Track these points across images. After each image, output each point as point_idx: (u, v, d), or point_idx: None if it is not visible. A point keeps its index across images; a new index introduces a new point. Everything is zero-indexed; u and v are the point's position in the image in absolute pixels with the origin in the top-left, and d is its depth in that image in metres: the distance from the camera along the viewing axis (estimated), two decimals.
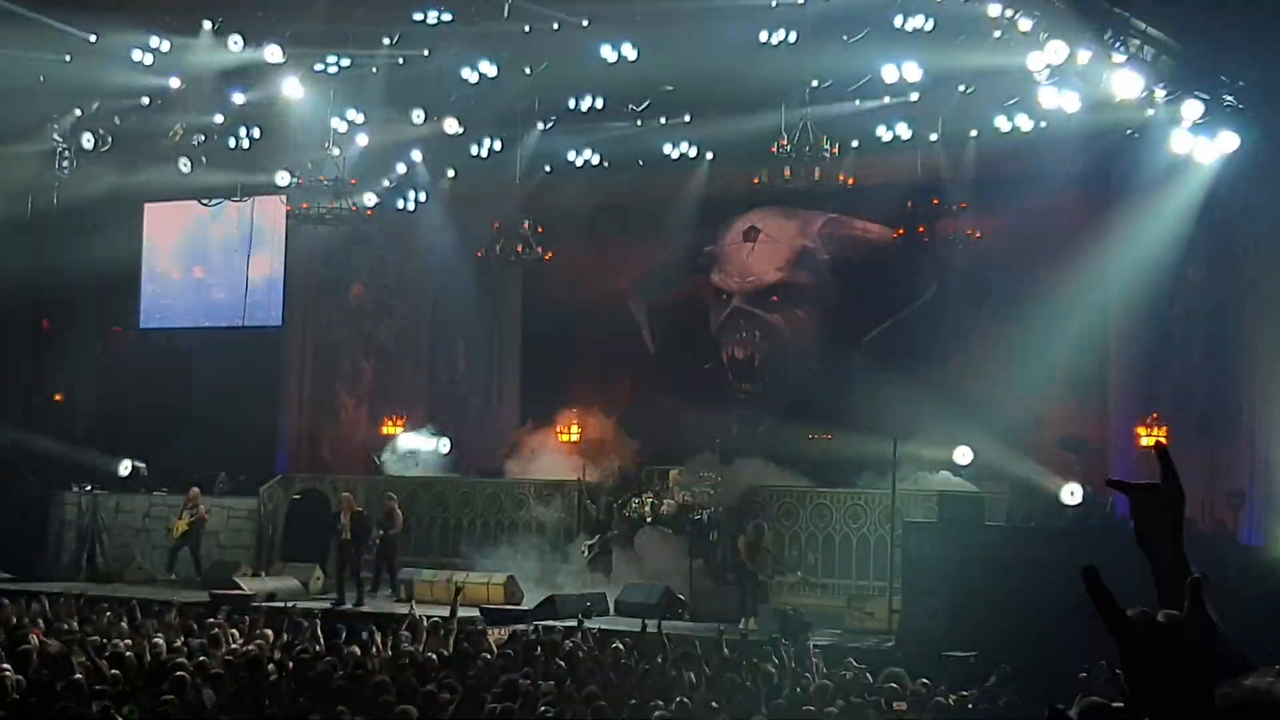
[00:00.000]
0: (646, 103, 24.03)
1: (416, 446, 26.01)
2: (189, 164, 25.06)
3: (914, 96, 22.05)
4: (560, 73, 22.70)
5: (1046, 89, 19.59)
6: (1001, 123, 22.38)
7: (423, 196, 27.27)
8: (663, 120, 24.55)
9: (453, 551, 24.20)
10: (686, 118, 24.39)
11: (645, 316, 27.14)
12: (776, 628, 16.52)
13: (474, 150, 25.28)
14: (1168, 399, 22.53)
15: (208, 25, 21.40)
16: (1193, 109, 18.46)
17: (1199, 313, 22.35)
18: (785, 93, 21.52)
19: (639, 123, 24.47)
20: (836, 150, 21.34)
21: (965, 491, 20.81)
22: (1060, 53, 18.07)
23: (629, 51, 21.16)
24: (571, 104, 24.00)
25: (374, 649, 12.56)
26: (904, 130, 23.22)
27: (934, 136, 22.98)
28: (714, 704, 9.30)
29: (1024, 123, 22.19)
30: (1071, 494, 20.18)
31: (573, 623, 15.91)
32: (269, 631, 13.80)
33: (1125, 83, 18.29)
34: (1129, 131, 21.50)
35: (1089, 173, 22.66)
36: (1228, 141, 18.83)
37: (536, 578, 21.64)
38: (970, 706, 10.30)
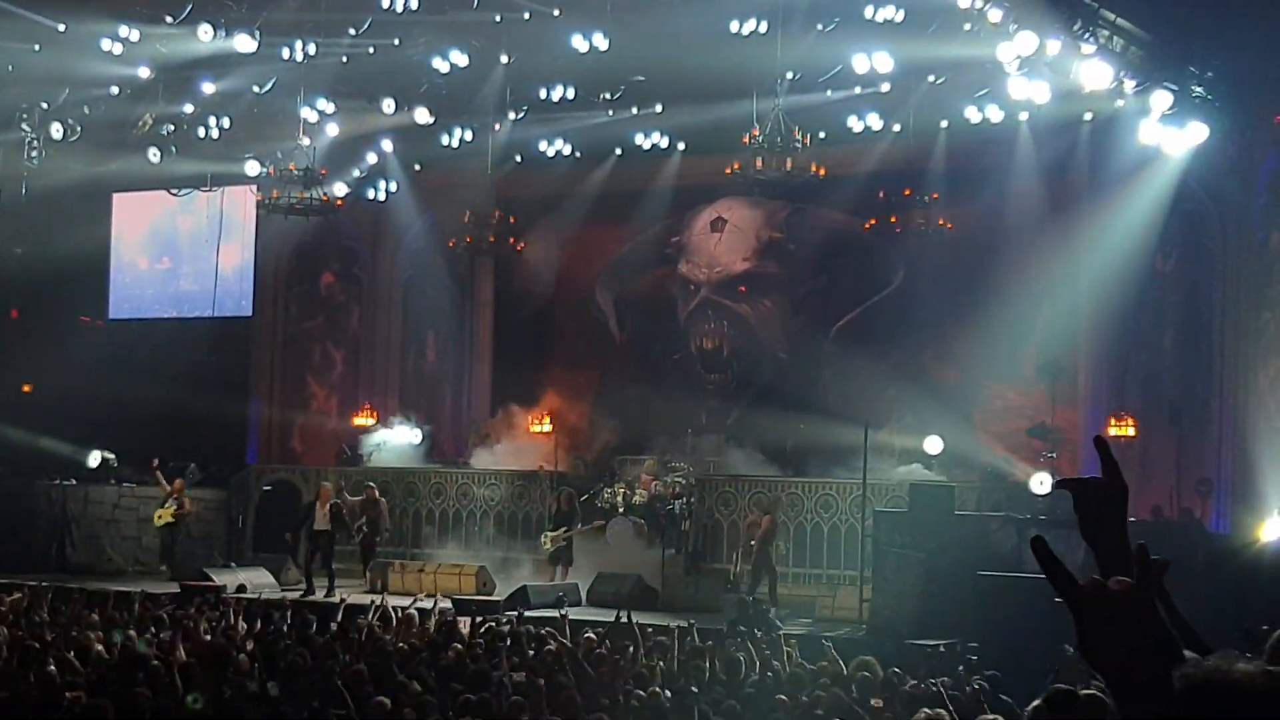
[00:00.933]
0: (618, 93, 24.00)
1: (392, 438, 25.99)
2: (158, 154, 24.94)
3: (885, 87, 22.09)
4: (531, 62, 22.67)
5: (1016, 80, 19.64)
6: (972, 113, 22.44)
7: (393, 186, 27.19)
8: (634, 110, 24.52)
9: (424, 542, 24.22)
10: (658, 108, 24.37)
11: (613, 307, 27.14)
12: (737, 616, 16.58)
13: (445, 140, 25.22)
14: (1137, 388, 22.67)
15: (171, 18, 21.29)
16: (1161, 100, 18.53)
17: (1169, 303, 22.48)
18: (757, 83, 21.53)
19: (610, 113, 24.44)
20: (808, 140, 21.35)
21: (936, 481, 20.90)
22: (1030, 43, 18.12)
23: (600, 41, 21.14)
24: (543, 94, 23.96)
25: (348, 638, 12.54)
26: (875, 121, 23.27)
27: (905, 127, 23.02)
28: (689, 691, 9.32)
29: (994, 113, 22.26)
30: (1041, 483, 20.27)
31: (545, 613, 15.93)
32: (242, 623, 13.77)
33: (1094, 73, 18.35)
34: (1091, 119, 21.63)
35: (1059, 163, 22.78)
36: (1197, 132, 18.93)
37: (508, 568, 21.64)
38: (938, 694, 10.34)
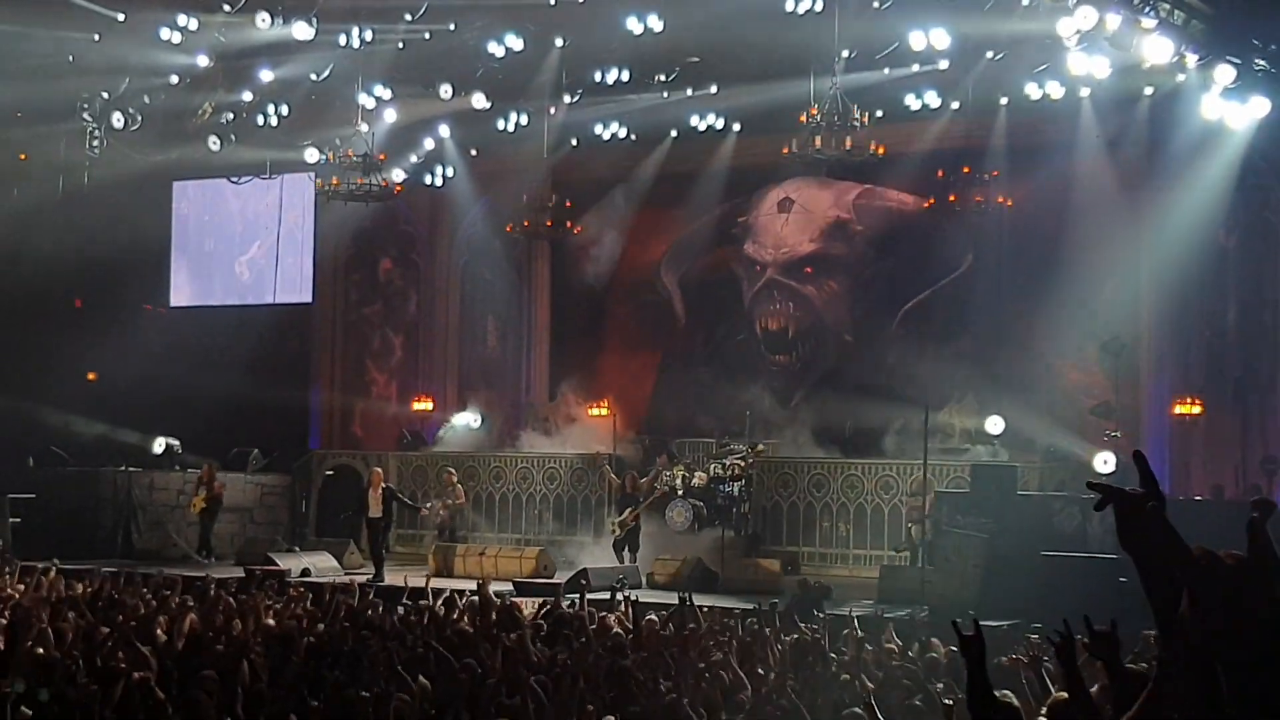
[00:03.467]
0: (673, 74, 23.94)
1: (459, 422, 26.28)
2: (218, 142, 25.12)
3: (943, 64, 21.90)
4: (586, 45, 22.64)
5: (1076, 55, 19.41)
6: (1032, 89, 22.21)
7: (450, 172, 27.24)
8: (690, 91, 24.44)
9: (485, 526, 24.33)
10: (713, 89, 24.26)
11: (678, 287, 27.08)
12: (796, 597, 16.54)
13: (501, 125, 25.25)
14: (1201, 366, 22.42)
15: (229, 6, 21.41)
16: (1224, 74, 18.25)
17: (1233, 279, 22.21)
18: (813, 61, 21.39)
19: (666, 94, 24.39)
20: (866, 119, 21.20)
21: (998, 461, 20.77)
22: (1090, 18, 17.88)
23: (655, 23, 21.08)
24: (598, 77, 23.93)
25: (409, 621, 12.61)
26: (933, 99, 23.08)
27: (963, 104, 22.80)
28: (753, 674, 9.31)
29: (1054, 89, 22.01)
30: (1105, 462, 20.10)
31: (604, 595, 15.94)
32: (310, 607, 13.86)
33: (1155, 48, 18.10)
34: (1152, 94, 21.36)
35: (1121, 139, 22.51)
36: (1259, 107, 18.65)
37: (568, 551, 21.69)
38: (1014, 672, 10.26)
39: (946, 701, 7.05)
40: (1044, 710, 5.59)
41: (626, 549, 20.99)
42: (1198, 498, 19.42)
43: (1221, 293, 22.31)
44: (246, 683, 8.85)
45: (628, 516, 21.10)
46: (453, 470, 23.22)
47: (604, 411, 25.23)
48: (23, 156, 26.18)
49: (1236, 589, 1.83)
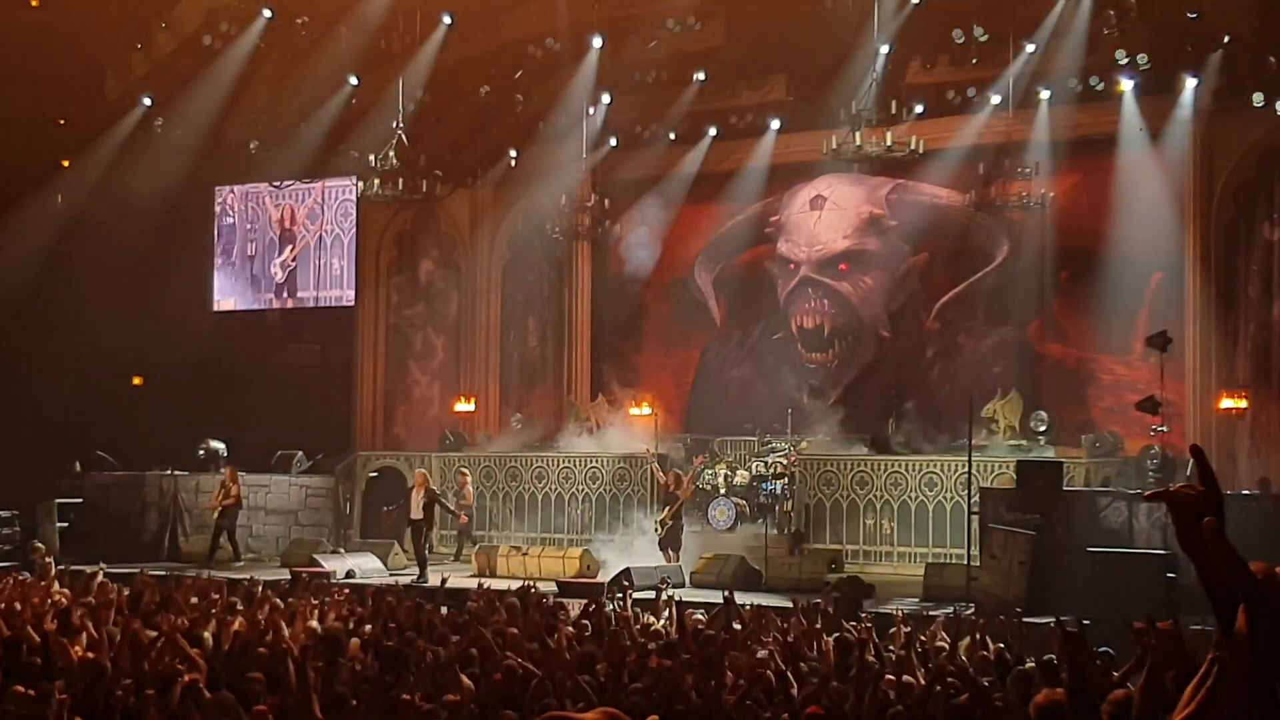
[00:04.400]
0: (711, 71, 23.94)
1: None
2: (259, 145, 25.28)
3: (980, 58, 21.84)
4: (623, 43, 22.67)
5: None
6: (1072, 82, 22.10)
7: (491, 173, 27.31)
8: (728, 89, 24.42)
9: (528, 525, 24.40)
10: (752, 85, 24.24)
11: (712, 287, 27.06)
12: (840, 594, 16.49)
13: (540, 124, 25.29)
14: (1246, 360, 22.24)
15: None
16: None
17: (1277, 271, 22.01)
18: (851, 57, 21.35)
19: (704, 91, 24.39)
20: (905, 114, 21.14)
21: (1043, 457, 20.67)
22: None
23: (692, 20, 21.09)
24: (636, 75, 23.94)
25: (456, 622, 12.63)
26: (972, 93, 22.99)
27: (1004, 98, 22.69)
28: (791, 673, 9.28)
29: (1094, 82, 21.90)
30: (1151, 457, 19.96)
31: (648, 595, 15.94)
32: (358, 609, 13.91)
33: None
34: (1196, 85, 21.22)
35: (1163, 132, 22.35)
36: None
37: (611, 551, 21.69)
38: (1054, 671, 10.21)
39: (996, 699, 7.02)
40: (1105, 707, 5.55)
41: (670, 548, 20.97)
42: (1245, 492, 19.24)
43: (1267, 286, 22.13)
44: (293, 685, 8.88)
45: (665, 515, 21.09)
46: (466, 471, 23.15)
47: (645, 410, 25.23)
48: (65, 163, 26.40)
49: None
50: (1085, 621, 14.05)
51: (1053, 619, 14.74)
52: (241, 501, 23.26)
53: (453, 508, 22.53)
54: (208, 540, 23.14)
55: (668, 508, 21.19)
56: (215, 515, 23.00)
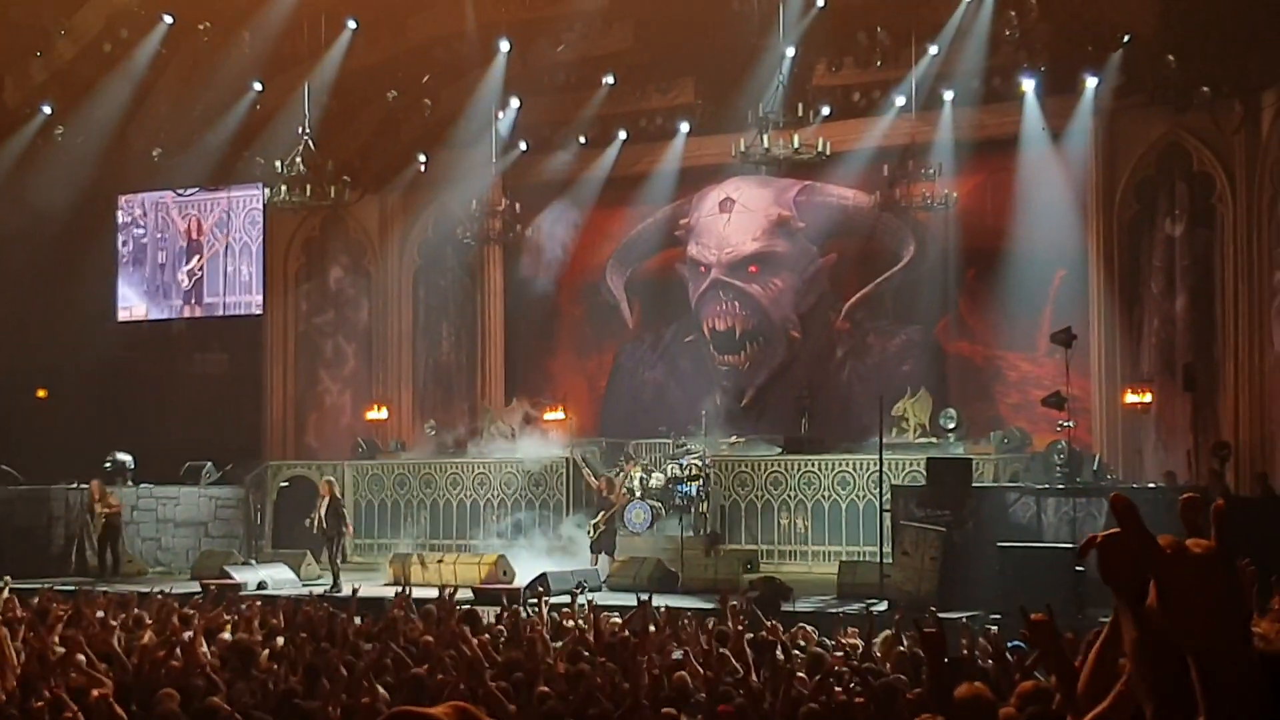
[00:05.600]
0: (619, 75, 23.97)
1: None
2: (162, 153, 24.97)
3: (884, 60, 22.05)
4: (532, 48, 22.64)
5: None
6: (975, 83, 22.38)
7: (400, 178, 27.16)
8: (637, 92, 24.47)
9: (442, 533, 24.29)
10: (661, 89, 24.31)
11: (624, 290, 27.10)
12: (758, 594, 16.55)
13: (449, 128, 25.19)
14: (1151, 355, 22.61)
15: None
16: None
17: (1180, 267, 22.41)
18: (758, 60, 21.46)
19: (613, 95, 24.43)
20: (812, 117, 21.30)
21: (953, 454, 20.89)
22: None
23: (601, 24, 21.12)
24: (544, 78, 23.91)
25: (370, 631, 12.54)
26: (877, 94, 23.20)
27: (908, 99, 22.91)
28: (708, 674, 9.30)
29: (998, 83, 22.20)
30: (1058, 452, 20.24)
31: (565, 599, 15.91)
32: (272, 620, 13.77)
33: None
34: (1096, 85, 21.55)
35: (1066, 130, 22.67)
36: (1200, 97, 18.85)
37: (527, 556, 21.63)
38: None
39: (909, 696, 7.08)
40: (1013, 699, 5.62)
41: (604, 551, 21.06)
42: (1151, 485, 19.57)
43: (1169, 281, 22.52)
44: (205, 698, 8.78)
45: (599, 519, 21.18)
46: (332, 480, 22.76)
47: (560, 415, 25.20)
48: None
49: (1204, 580, 1.83)
50: (995, 615, 14.25)
51: (964, 615, 14.93)
52: (120, 514, 22.87)
53: (349, 525, 22.25)
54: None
55: (601, 512, 21.30)
56: (98, 529, 22.63)
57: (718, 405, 25.31)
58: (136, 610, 14.15)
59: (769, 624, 12.83)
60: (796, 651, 11.01)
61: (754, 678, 9.24)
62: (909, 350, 24.51)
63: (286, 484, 24.84)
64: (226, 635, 12.36)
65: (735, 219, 25.82)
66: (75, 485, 24.06)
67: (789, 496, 22.19)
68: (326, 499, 21.21)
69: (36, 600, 15.37)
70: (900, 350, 24.58)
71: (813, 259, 25.48)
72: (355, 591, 15.81)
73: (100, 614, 13.59)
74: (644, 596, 14.07)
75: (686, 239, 26.33)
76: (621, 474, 22.29)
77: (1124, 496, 1.90)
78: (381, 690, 8.87)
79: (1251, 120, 21.12)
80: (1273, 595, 6.95)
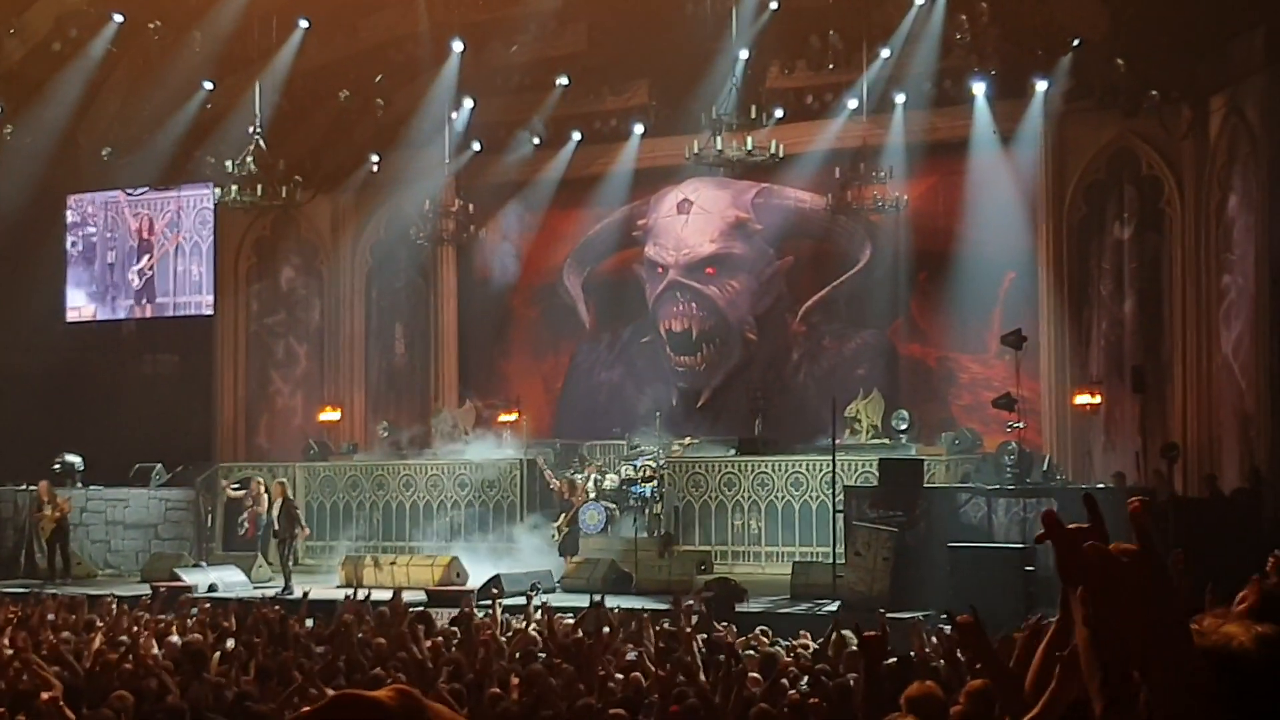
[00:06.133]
0: (573, 76, 23.98)
1: None
2: (112, 153, 24.77)
3: (838, 64, 22.17)
4: (486, 48, 22.62)
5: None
6: (926, 86, 22.52)
7: (352, 179, 27.05)
8: (591, 93, 24.48)
9: (395, 535, 24.21)
10: (615, 90, 24.34)
11: (581, 290, 27.09)
12: (712, 595, 16.60)
13: (402, 129, 25.12)
14: (1100, 356, 22.81)
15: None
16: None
17: (1129, 269, 22.61)
18: (712, 62, 21.52)
19: (567, 96, 24.43)
20: (765, 119, 21.37)
21: (904, 455, 21.01)
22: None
23: (555, 25, 21.12)
24: (498, 79, 23.88)
25: (323, 634, 12.51)
26: (830, 97, 23.31)
27: (860, 103, 23.01)
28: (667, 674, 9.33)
29: (949, 87, 22.34)
30: (1009, 453, 20.39)
31: (518, 601, 15.91)
32: (223, 622, 13.70)
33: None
34: (1045, 89, 21.72)
35: (1015, 134, 22.84)
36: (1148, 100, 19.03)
37: (481, 558, 21.60)
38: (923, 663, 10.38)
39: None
40: (961, 698, 5.66)
41: (569, 553, 21.11)
42: (1100, 485, 19.74)
43: (1118, 284, 22.72)
44: (156, 701, 8.74)
45: (562, 522, 21.32)
46: (260, 480, 22.70)
47: (514, 416, 25.17)
48: None
49: (1134, 583, 1.86)
50: (945, 614, 14.32)
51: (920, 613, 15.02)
52: (68, 516, 22.67)
53: (304, 525, 22.19)
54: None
55: (563, 514, 21.39)
56: (47, 532, 22.42)
57: (674, 406, 25.36)
58: (88, 614, 14.06)
59: (721, 625, 12.89)
60: (750, 652, 11.06)
61: (705, 678, 9.27)
62: (864, 353, 24.64)
63: (238, 486, 24.53)
64: (176, 638, 12.29)
65: (693, 220, 25.87)
66: (24, 486, 23.82)
67: (742, 497, 22.24)
68: (279, 500, 21.14)
69: None
70: (855, 353, 24.71)
71: (770, 261, 25.56)
72: (306, 595, 15.77)
73: (50, 616, 13.50)
74: (597, 598, 14.12)
75: (644, 239, 26.36)
76: (582, 476, 22.35)
77: (1093, 495, 1.94)
78: (332, 693, 8.85)
79: (1200, 125, 21.34)
80: (1207, 592, 7.02)
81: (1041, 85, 21.86)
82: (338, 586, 19.70)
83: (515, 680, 9.21)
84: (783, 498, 22.03)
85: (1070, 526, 1.93)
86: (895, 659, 9.35)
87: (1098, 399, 22.26)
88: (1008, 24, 21.31)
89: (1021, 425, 20.35)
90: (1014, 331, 19.80)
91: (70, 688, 9.13)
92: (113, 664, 10.10)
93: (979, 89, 22.27)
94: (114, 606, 14.77)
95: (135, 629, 12.77)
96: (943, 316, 23.97)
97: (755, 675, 9.27)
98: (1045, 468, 20.99)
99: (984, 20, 20.99)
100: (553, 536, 21.54)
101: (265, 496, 22.57)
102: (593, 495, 22.19)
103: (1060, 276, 22.92)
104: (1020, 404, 19.87)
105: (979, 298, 23.38)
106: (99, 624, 13.17)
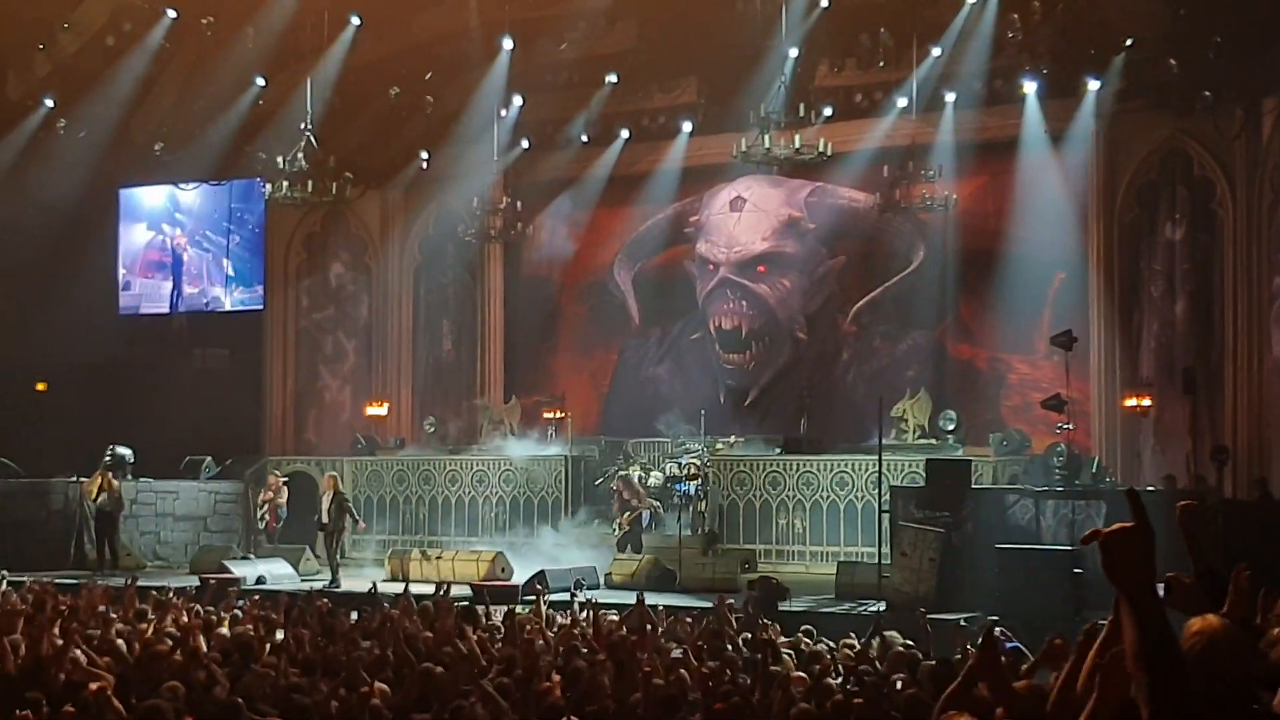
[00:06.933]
0: (622, 73, 23.99)
1: None
2: (164, 147, 24.98)
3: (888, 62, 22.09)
4: (535, 45, 22.66)
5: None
6: (976, 85, 22.40)
7: (401, 175, 27.16)
8: (639, 91, 24.48)
9: (440, 530, 24.31)
10: (664, 88, 24.33)
11: (631, 286, 27.08)
12: (756, 594, 16.58)
13: (451, 126, 25.19)
14: (1150, 358, 22.63)
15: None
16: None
17: (1180, 271, 22.43)
18: (761, 60, 21.48)
19: (616, 93, 24.44)
20: (813, 117, 21.30)
21: (952, 455, 20.92)
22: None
23: (605, 23, 21.13)
24: (547, 76, 23.91)
25: (371, 627, 12.57)
26: (879, 95, 23.21)
27: (910, 101, 22.90)
28: (711, 672, 9.34)
29: (1000, 85, 22.22)
30: (1058, 455, 20.26)
31: (563, 596, 15.93)
32: (271, 615, 13.78)
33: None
34: (1098, 89, 21.56)
35: (1066, 133, 22.69)
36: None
37: (524, 553, 21.65)
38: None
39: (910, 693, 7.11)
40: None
41: (629, 548, 21.19)
42: (1150, 488, 19.59)
43: (1169, 285, 22.54)
44: (205, 692, 8.81)
45: (624, 519, 21.53)
46: (335, 475, 22.84)
47: (560, 414, 25.21)
48: None
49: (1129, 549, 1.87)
50: (993, 617, 14.27)
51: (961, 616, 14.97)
52: (123, 502, 22.92)
53: (361, 519, 22.40)
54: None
55: (626, 514, 21.63)
56: (93, 517, 22.65)
57: (721, 404, 25.33)
58: (138, 604, 14.17)
59: (764, 624, 12.87)
60: (792, 652, 11.04)
61: (748, 677, 9.26)
62: (914, 355, 24.52)
63: (286, 479, 24.72)
64: (225, 630, 12.38)
65: (746, 218, 25.81)
66: (75, 479, 24.07)
67: (787, 496, 22.19)
68: (330, 493, 21.25)
69: (30, 594, 15.39)
70: (906, 355, 24.59)
71: (822, 260, 25.46)
72: (374, 586, 15.97)
73: (101, 608, 13.61)
74: (640, 595, 14.13)
75: (696, 236, 26.32)
76: (611, 472, 22.51)
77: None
78: (381, 685, 8.91)
79: (1253, 125, 21.14)
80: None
81: (1093, 85, 21.70)
82: (384, 580, 19.79)
83: (556, 677, 9.23)
84: (828, 497, 21.96)
85: (1115, 526, 1.93)
86: (936, 660, 9.33)
87: (1148, 401, 22.09)
88: (1060, 23, 21.16)
89: (1071, 427, 20.22)
90: (1064, 332, 19.66)
91: (120, 678, 9.21)
92: (162, 655, 10.18)
93: (1030, 88, 22.12)
94: (168, 597, 14.88)
95: (185, 619, 12.87)
96: (992, 317, 23.82)
97: (800, 674, 9.25)
98: (1094, 470, 20.85)
99: (1036, 19, 20.85)
100: (613, 532, 21.81)
101: (285, 490, 22.92)
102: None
103: (1110, 277, 22.75)
104: (1069, 405, 19.73)
105: (1028, 298, 23.23)
106: (150, 615, 13.27)
